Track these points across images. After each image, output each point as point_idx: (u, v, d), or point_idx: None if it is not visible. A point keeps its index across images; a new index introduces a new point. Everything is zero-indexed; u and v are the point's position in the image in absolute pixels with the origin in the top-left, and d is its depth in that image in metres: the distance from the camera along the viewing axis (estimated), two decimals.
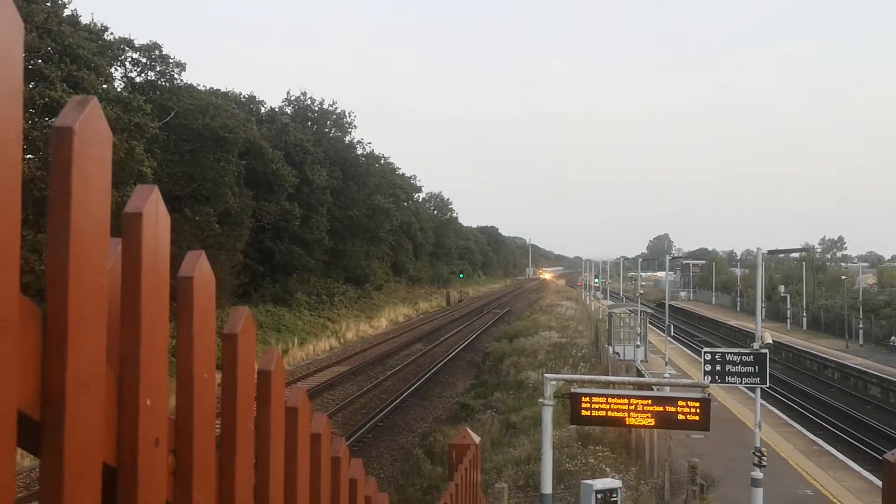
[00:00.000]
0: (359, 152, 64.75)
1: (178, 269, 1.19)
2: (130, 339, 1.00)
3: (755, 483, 13.69)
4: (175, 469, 1.15)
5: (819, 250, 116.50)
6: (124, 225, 1.01)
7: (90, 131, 0.90)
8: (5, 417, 0.77)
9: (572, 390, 10.63)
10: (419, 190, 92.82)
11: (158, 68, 39.07)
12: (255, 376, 1.41)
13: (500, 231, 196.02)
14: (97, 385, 0.92)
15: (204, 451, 1.19)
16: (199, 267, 1.17)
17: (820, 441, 22.78)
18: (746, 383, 13.55)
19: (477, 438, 4.66)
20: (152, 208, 1.02)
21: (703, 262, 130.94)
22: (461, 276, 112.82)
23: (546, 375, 11.03)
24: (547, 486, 10.74)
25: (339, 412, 26.94)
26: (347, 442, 22.00)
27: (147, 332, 1.01)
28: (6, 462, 0.78)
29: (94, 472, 0.92)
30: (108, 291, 0.96)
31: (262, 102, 57.32)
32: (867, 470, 19.08)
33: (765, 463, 13.79)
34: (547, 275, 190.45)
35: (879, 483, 4.07)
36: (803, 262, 71.03)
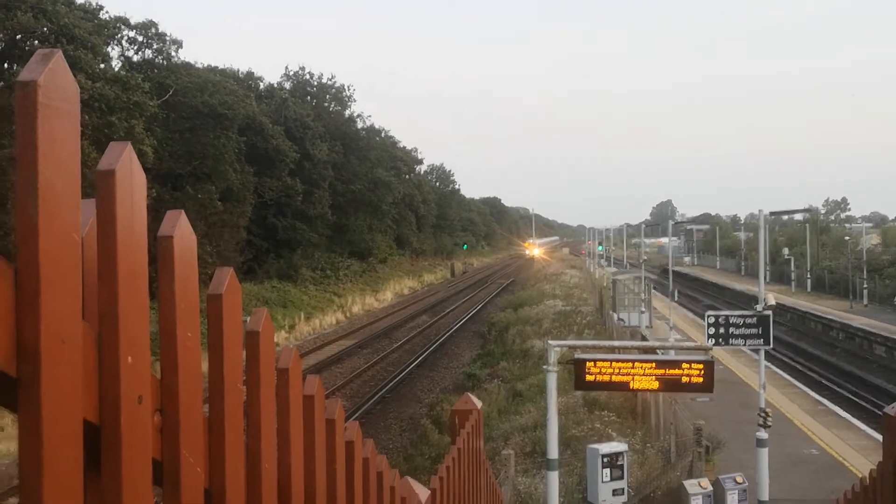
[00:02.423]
0: (359, 126, 64.53)
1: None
2: (108, 297, 1.00)
3: (760, 443, 13.76)
4: (162, 427, 1.15)
5: (823, 212, 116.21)
6: (98, 182, 1.00)
7: (55, 85, 0.89)
8: None
9: (576, 356, 10.66)
10: (420, 162, 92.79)
11: (155, 46, 38.84)
12: (243, 337, 1.41)
13: (502, 202, 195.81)
14: (74, 341, 0.92)
15: (190, 409, 1.19)
16: (180, 226, 1.17)
17: (825, 401, 22.87)
18: (750, 345, 13.57)
19: (479, 403, 4.68)
20: (126, 165, 1.02)
21: (707, 226, 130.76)
22: (465, 247, 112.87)
23: (549, 342, 11.05)
24: (553, 452, 10.81)
25: (346, 385, 27.10)
26: (356, 414, 22.20)
27: (125, 289, 1.01)
28: None
29: (75, 427, 0.92)
30: (82, 248, 0.96)
31: (260, 78, 57.06)
32: (872, 428, 19.17)
33: (770, 423, 13.85)
34: (535, 249, 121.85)
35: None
36: (807, 225, 70.82)
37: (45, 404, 0.86)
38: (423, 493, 3.10)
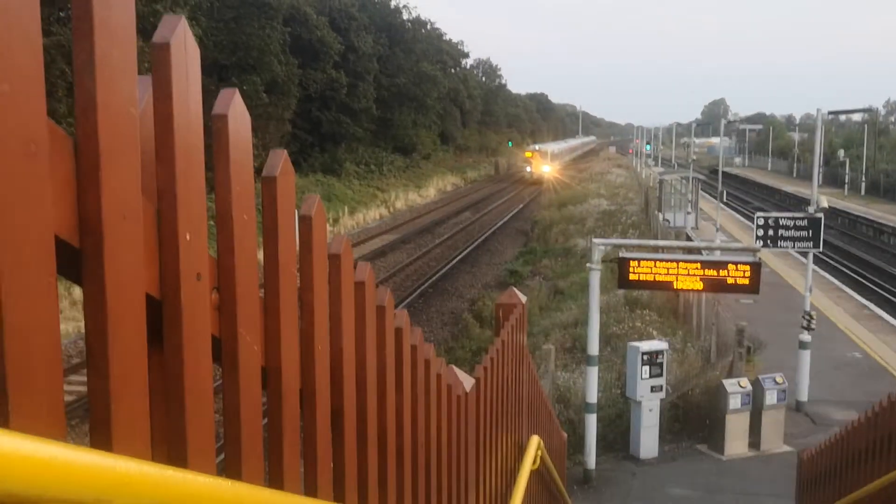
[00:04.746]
0: (405, 17, 63.15)
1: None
2: (165, 174, 1.00)
3: (803, 346, 13.76)
4: (219, 305, 1.17)
5: (883, 113, 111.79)
6: (153, 56, 0.98)
7: None
8: (41, 239, 0.77)
9: (620, 255, 10.64)
10: (466, 56, 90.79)
11: None
12: (296, 221, 1.41)
13: (549, 98, 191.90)
14: (134, 216, 0.92)
15: (247, 289, 1.21)
16: (234, 104, 1.15)
17: (871, 305, 22.59)
18: (799, 248, 13.37)
19: (523, 298, 4.71)
20: (180, 38, 1.00)
21: (760, 126, 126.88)
22: (510, 144, 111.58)
23: (594, 240, 11.02)
24: (594, 348, 10.94)
25: (389, 279, 27.51)
26: (398, 307, 22.63)
27: (182, 165, 1.00)
28: (47, 287, 0.79)
29: (138, 300, 0.94)
30: (139, 124, 0.95)
31: None
32: None
33: (813, 326, 13.80)
34: (545, 165, 73.74)
35: None
36: (865, 126, 68.38)
37: (109, 276, 0.87)
38: (467, 381, 3.16)
